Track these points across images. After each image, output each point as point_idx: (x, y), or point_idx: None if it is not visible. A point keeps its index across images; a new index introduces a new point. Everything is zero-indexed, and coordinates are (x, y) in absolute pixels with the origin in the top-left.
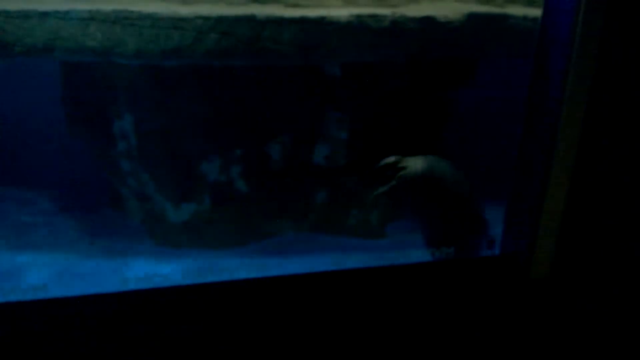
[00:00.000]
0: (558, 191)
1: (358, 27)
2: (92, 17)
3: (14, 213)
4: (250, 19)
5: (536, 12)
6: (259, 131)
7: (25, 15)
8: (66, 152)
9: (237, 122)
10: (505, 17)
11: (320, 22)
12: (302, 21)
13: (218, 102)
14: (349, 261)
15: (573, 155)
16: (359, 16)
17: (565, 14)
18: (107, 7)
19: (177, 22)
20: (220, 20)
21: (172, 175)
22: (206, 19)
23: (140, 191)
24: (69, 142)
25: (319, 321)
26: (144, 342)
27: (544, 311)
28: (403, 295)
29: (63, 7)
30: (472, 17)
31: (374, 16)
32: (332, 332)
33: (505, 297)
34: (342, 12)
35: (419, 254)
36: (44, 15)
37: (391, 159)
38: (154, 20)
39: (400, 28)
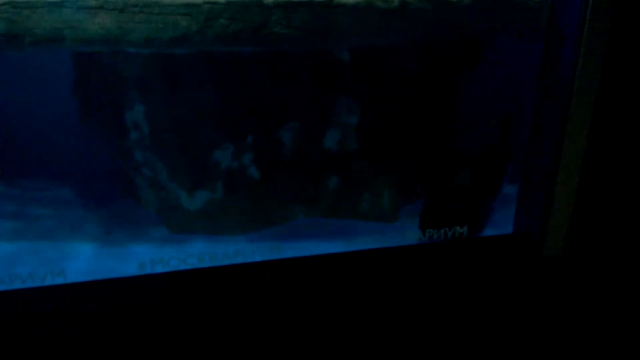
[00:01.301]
0: (571, 169)
1: (366, 8)
2: (101, 6)
3: (29, 203)
4: (259, 3)
5: None
6: (269, 118)
7: (33, 5)
8: (80, 143)
9: (248, 109)
10: None
11: (329, 4)
12: (311, 4)
13: (228, 90)
14: (361, 244)
15: (586, 133)
16: None
17: None
18: None
19: (185, 8)
20: (229, 5)
21: (186, 163)
22: (214, 4)
23: (155, 180)
24: (83, 133)
25: (333, 300)
26: (161, 323)
27: (557, 289)
28: (416, 275)
29: None
30: None
31: None
32: (344, 311)
33: (517, 275)
34: None
35: (433, 235)
36: (53, 5)
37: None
38: (161, 7)
39: (409, 9)
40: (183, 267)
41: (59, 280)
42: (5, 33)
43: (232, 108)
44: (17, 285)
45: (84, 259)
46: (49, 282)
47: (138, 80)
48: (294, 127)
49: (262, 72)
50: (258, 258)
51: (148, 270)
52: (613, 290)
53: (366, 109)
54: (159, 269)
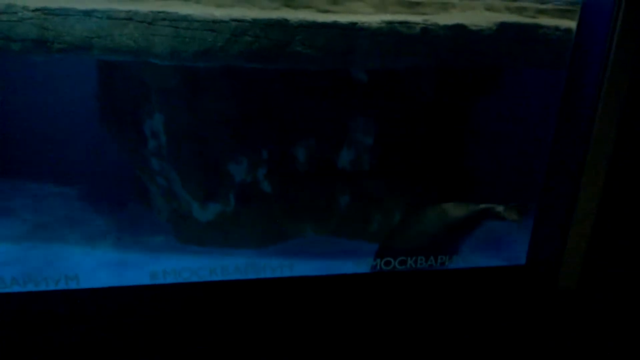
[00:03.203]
0: (589, 201)
1: (388, 33)
2: (130, 17)
3: (44, 207)
4: (284, 23)
5: (568, 23)
6: (285, 134)
7: (65, 13)
8: (97, 148)
9: (264, 124)
10: (536, 27)
11: (352, 27)
12: (334, 26)
13: (247, 104)
14: (367, 266)
15: (605, 166)
16: (389, 23)
17: (601, 25)
18: (145, 7)
19: (212, 25)
20: (254, 23)
21: (200, 175)
22: (240, 21)
23: (168, 189)
24: (100, 138)
25: (336, 322)
26: (166, 333)
27: (571, 322)
28: (425, 303)
29: (102, 6)
30: (503, 27)
31: (404, 23)
32: (347, 335)
33: (530, 307)
34: (373, 19)
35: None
36: (84, 13)
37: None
38: (189, 22)
39: (430, 35)
40: (193, 279)
41: (73, 285)
42: (36, 38)
43: (249, 122)
44: (31, 287)
45: (95, 265)
46: (62, 286)
47: (159, 90)
48: (309, 144)
49: (280, 89)
50: (268, 274)
51: (160, 280)
52: (630, 325)
53: (383, 130)
54: (169, 279)
